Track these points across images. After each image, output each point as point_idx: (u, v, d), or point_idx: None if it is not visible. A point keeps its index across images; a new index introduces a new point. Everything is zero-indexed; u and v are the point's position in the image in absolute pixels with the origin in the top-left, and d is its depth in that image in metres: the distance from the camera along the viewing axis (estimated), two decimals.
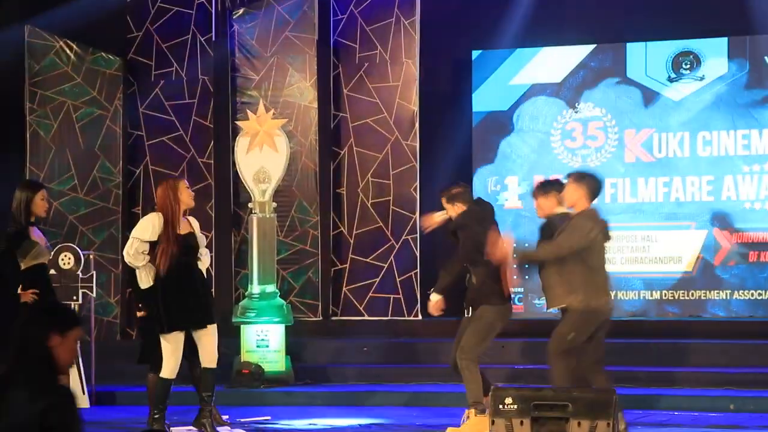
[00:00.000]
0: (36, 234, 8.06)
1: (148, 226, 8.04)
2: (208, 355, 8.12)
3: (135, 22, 12.64)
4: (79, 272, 10.15)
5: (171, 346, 8.00)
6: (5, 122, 12.15)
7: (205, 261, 8.33)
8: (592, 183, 8.00)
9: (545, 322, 12.02)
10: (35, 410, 3.85)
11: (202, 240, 8.36)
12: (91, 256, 10.39)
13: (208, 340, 8.12)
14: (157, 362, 8.15)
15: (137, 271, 8.09)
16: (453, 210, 8.63)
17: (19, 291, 7.89)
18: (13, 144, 12.09)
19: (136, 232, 8.12)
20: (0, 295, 7.92)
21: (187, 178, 12.19)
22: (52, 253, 9.86)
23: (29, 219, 7.98)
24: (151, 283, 8.05)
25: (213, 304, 8.52)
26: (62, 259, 10.13)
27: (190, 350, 8.18)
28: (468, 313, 8.58)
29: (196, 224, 8.33)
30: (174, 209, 8.04)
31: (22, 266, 7.92)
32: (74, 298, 10.13)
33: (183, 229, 8.13)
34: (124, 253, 8.17)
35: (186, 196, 8.13)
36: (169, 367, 8.01)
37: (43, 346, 4.01)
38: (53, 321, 4.09)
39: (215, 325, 8.24)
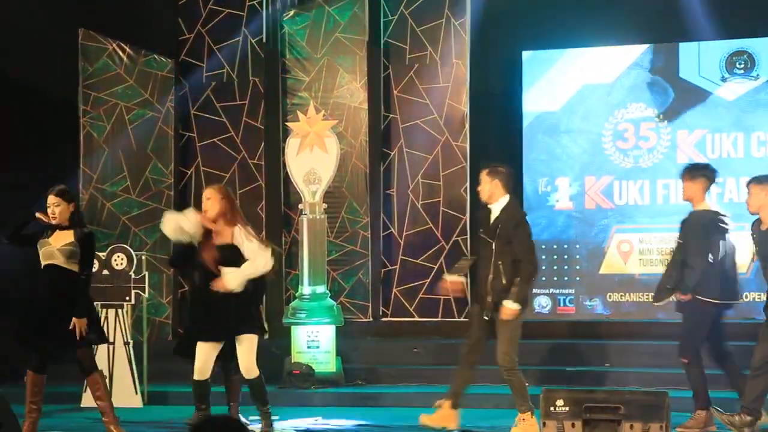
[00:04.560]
0: (59, 237, 8.04)
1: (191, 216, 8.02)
2: (242, 367, 8.05)
3: (187, 24, 12.72)
4: (131, 273, 10.23)
5: (199, 350, 7.97)
6: (59, 124, 12.27)
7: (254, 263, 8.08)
8: None
9: (596, 324, 11.99)
10: None
11: (248, 248, 8.02)
12: (144, 257, 10.46)
13: (239, 352, 8.03)
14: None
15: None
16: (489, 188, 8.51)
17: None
18: (67, 145, 12.20)
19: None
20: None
21: (237, 180, 12.39)
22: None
23: (47, 223, 8.05)
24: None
25: (248, 313, 8.15)
26: (115, 260, 10.21)
27: (225, 357, 8.16)
28: (487, 316, 8.41)
29: (244, 235, 8.02)
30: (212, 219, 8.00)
31: (42, 264, 8.03)
32: (126, 298, 10.21)
33: (219, 240, 7.97)
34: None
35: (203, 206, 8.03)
36: (196, 369, 8.00)
37: None
38: None
39: (249, 336, 8.05)
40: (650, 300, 12.12)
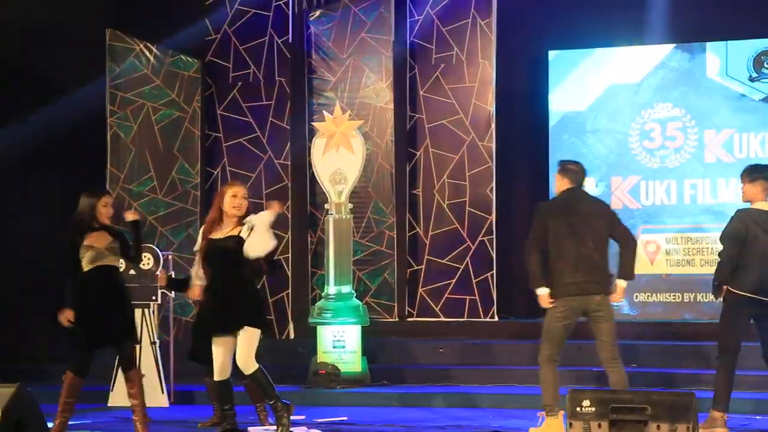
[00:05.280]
0: (99, 238, 8.04)
1: (199, 238, 8.00)
2: (238, 362, 7.85)
3: (213, 25, 12.77)
4: (158, 272, 10.25)
5: (214, 349, 7.92)
6: (87, 124, 12.33)
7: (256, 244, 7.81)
8: None
9: (623, 324, 11.92)
10: None
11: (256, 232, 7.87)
12: (170, 257, 10.49)
13: (238, 345, 7.83)
14: (210, 365, 8.15)
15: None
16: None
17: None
18: (94, 146, 12.26)
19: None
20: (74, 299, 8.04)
21: (263, 180, 12.42)
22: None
23: (92, 224, 8.05)
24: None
25: (252, 307, 7.92)
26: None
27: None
28: None
29: (251, 222, 7.84)
30: (211, 216, 7.91)
31: (86, 268, 7.99)
32: (153, 298, 10.24)
33: (224, 233, 7.85)
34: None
35: (227, 205, 7.84)
36: (214, 369, 7.91)
37: None
38: None
39: (249, 330, 7.81)
40: (677, 300, 12.17)
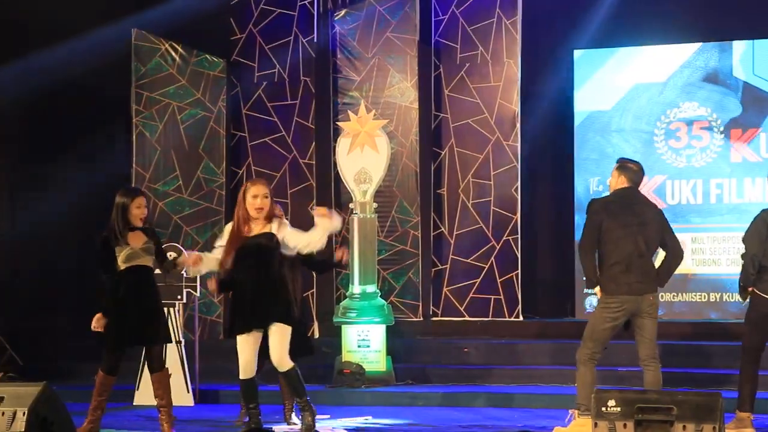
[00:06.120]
0: (134, 238, 8.09)
1: (225, 234, 8.04)
2: (273, 359, 7.91)
3: (238, 24, 12.80)
4: (183, 272, 10.27)
5: (238, 347, 7.96)
6: (112, 124, 12.37)
7: (305, 239, 7.98)
8: None
9: None
10: None
11: (291, 237, 7.96)
12: None
13: (271, 342, 7.87)
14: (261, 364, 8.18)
15: None
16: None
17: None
18: (119, 145, 12.31)
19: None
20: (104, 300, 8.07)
21: (288, 179, 12.44)
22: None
23: (127, 225, 8.07)
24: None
25: (283, 306, 7.92)
26: None
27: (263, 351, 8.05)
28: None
29: (281, 225, 7.95)
30: (238, 213, 7.93)
31: (121, 267, 8.01)
32: (178, 297, 10.26)
33: (254, 231, 7.89)
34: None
35: (250, 207, 7.87)
36: (240, 368, 7.94)
37: None
38: None
39: (282, 326, 7.85)
40: (703, 300, 12.12)
